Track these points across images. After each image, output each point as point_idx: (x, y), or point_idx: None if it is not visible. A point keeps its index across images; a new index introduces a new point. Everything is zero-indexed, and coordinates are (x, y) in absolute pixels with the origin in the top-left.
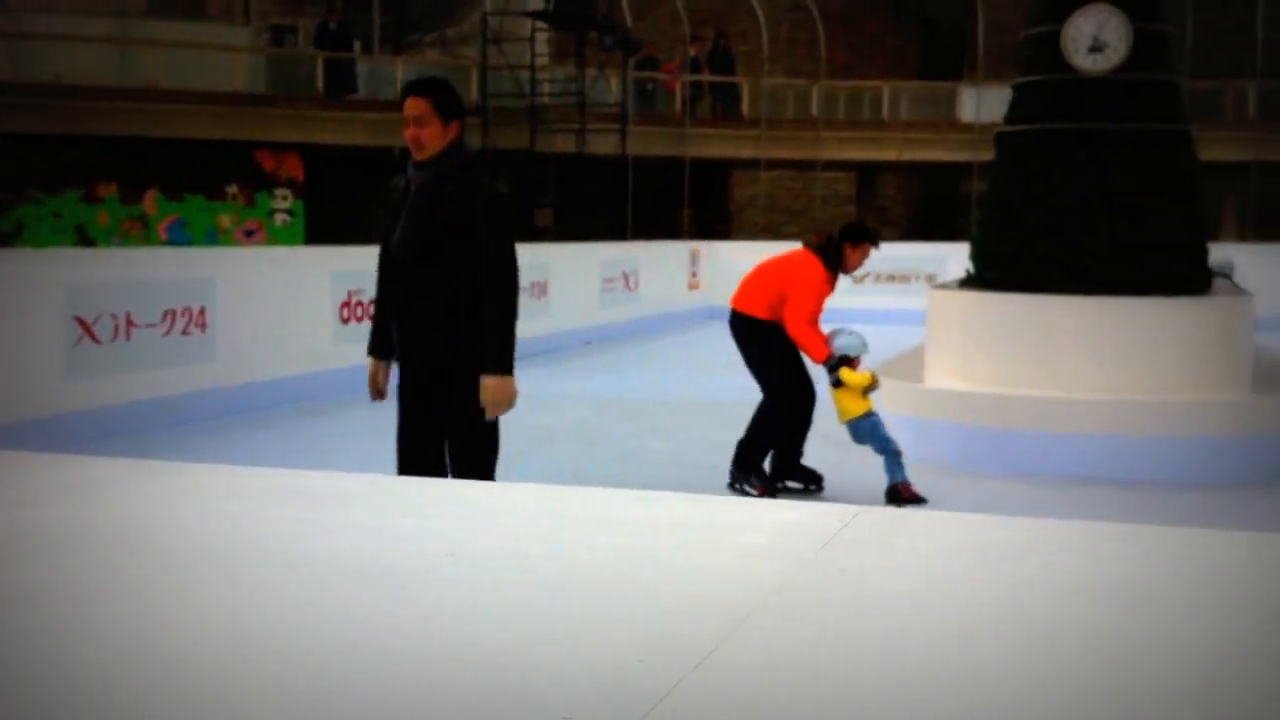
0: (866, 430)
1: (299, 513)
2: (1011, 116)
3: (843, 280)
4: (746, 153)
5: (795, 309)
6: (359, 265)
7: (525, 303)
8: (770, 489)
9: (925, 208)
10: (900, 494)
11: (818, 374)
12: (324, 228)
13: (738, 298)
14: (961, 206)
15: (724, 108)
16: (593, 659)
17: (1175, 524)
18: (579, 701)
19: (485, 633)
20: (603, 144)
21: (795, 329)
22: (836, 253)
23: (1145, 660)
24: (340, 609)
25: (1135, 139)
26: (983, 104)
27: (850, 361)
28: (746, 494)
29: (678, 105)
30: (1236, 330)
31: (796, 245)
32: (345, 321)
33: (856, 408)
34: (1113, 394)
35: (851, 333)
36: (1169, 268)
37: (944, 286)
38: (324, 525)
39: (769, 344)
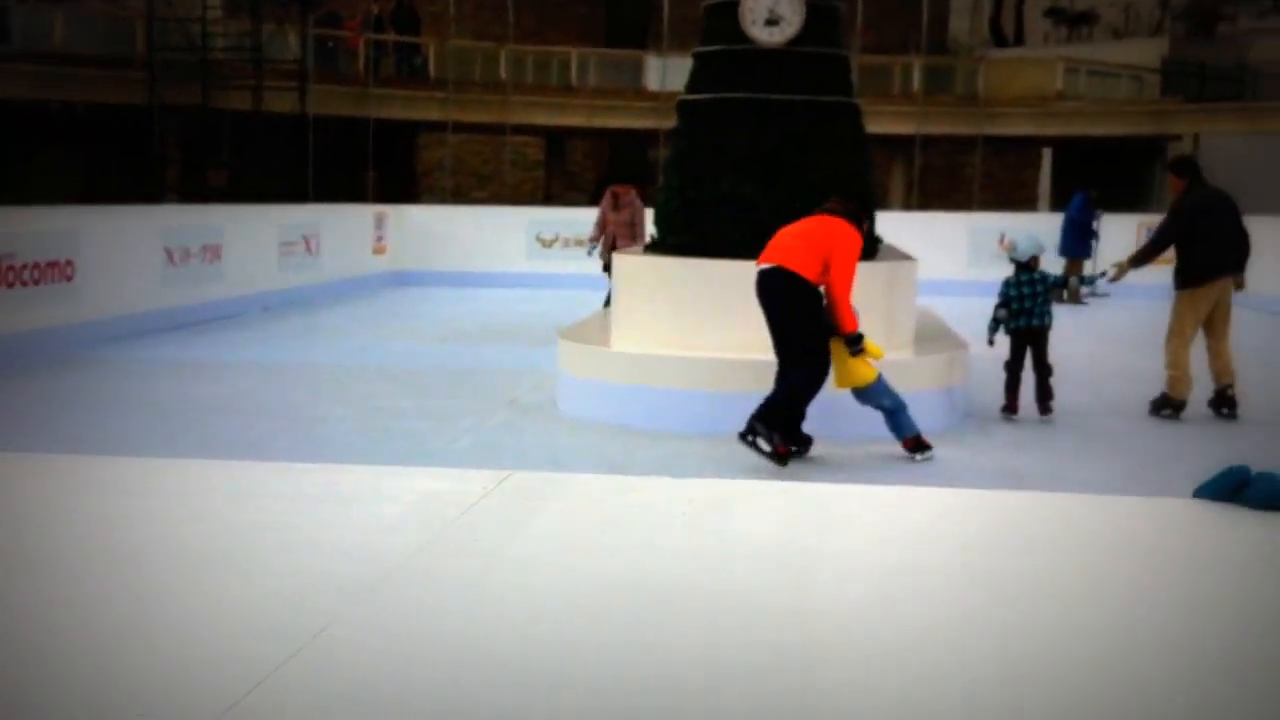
0: (877, 392)
1: None
2: (692, 85)
3: (532, 245)
4: (433, 115)
5: (846, 278)
6: (11, 226)
7: (198, 267)
8: (789, 451)
9: (614, 173)
10: (920, 443)
11: None
12: None
13: (784, 257)
14: (650, 173)
15: (409, 69)
16: (183, 648)
17: (849, 479)
18: (157, 696)
19: (67, 624)
20: (281, 102)
21: (844, 298)
22: (859, 219)
23: (780, 616)
24: None
25: (808, 109)
26: (668, 73)
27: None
28: (760, 449)
29: (361, 64)
30: (901, 293)
31: (485, 209)
32: None
33: (868, 374)
34: None
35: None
36: None
37: (629, 251)
38: None
39: (817, 310)
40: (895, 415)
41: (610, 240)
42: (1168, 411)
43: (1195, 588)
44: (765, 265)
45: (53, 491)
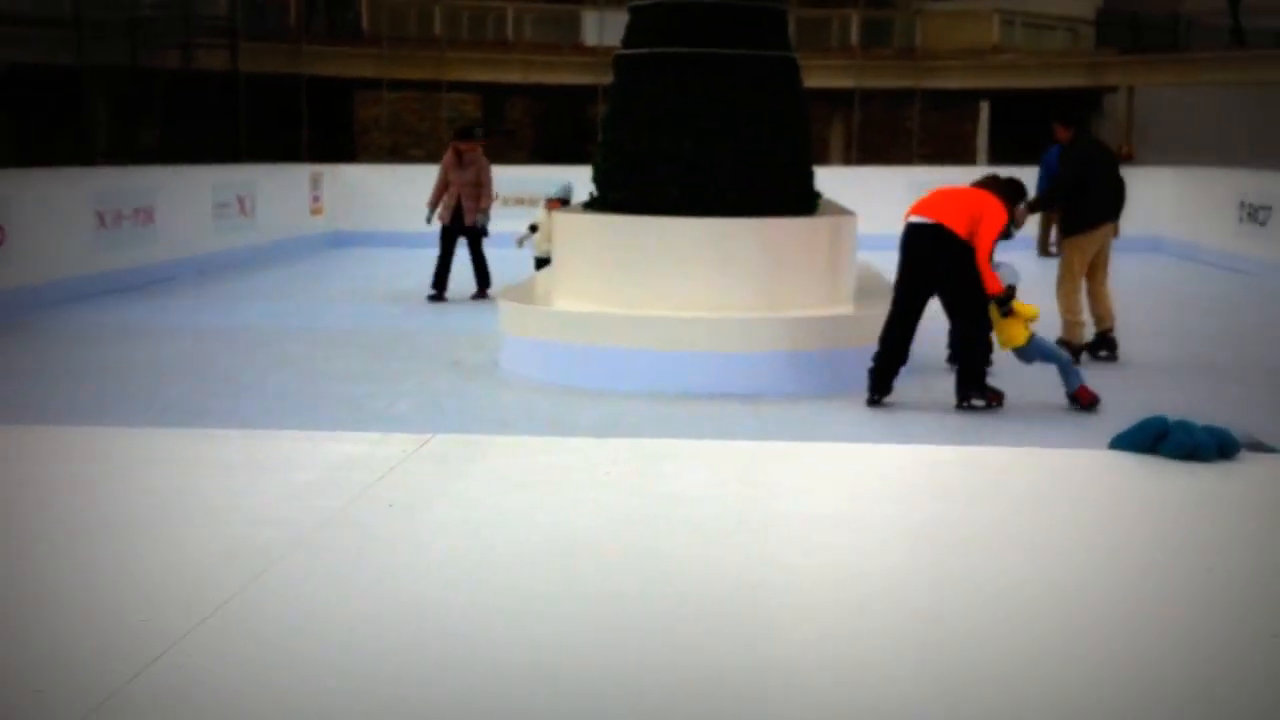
0: (1037, 351)
1: None
2: (629, 40)
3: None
4: (367, 72)
5: (987, 242)
6: None
7: (131, 230)
8: (1000, 395)
9: (553, 131)
10: (1081, 399)
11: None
12: None
13: (939, 213)
14: (588, 130)
15: (342, 25)
16: (82, 620)
17: (784, 435)
18: (55, 669)
19: None
20: (212, 60)
21: (984, 261)
22: (1012, 201)
23: (686, 573)
24: None
25: (745, 64)
26: (605, 27)
27: (1012, 291)
28: (978, 407)
29: (292, 20)
30: (841, 249)
31: (423, 167)
32: None
33: (1022, 335)
34: (728, 311)
35: (1007, 265)
36: (778, 189)
37: (569, 209)
38: None
39: (970, 264)
40: (1063, 371)
41: (455, 202)
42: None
43: (1116, 537)
44: (919, 219)
45: None
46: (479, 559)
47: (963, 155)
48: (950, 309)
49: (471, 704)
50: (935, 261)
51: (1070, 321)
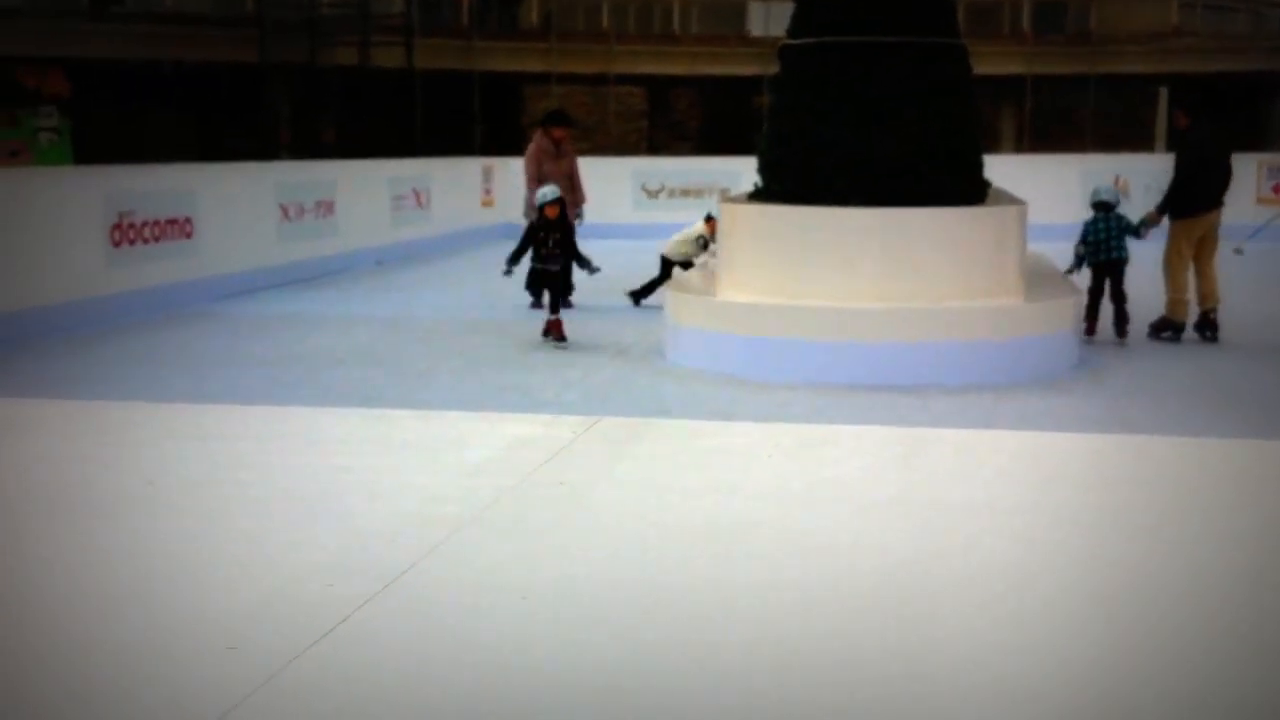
0: None
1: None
2: (794, 30)
3: (636, 194)
4: (537, 66)
5: None
6: (132, 185)
7: (312, 223)
8: None
9: (718, 122)
10: None
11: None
12: (95, 146)
13: None
14: (754, 120)
15: (512, 20)
16: (272, 585)
17: (952, 426)
18: (250, 628)
19: (160, 563)
20: (387, 57)
21: None
22: None
23: (837, 557)
24: (28, 542)
25: (912, 52)
26: (770, 18)
27: None
28: None
29: (465, 17)
30: (1010, 238)
31: (591, 160)
32: (117, 245)
33: None
34: (895, 302)
35: None
36: (946, 179)
37: (734, 199)
38: (28, 455)
39: None
40: None
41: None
42: (1168, 334)
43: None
44: None
45: (165, 437)
46: (646, 537)
47: (1141, 143)
48: None
49: (635, 670)
50: None
51: (1174, 300)
